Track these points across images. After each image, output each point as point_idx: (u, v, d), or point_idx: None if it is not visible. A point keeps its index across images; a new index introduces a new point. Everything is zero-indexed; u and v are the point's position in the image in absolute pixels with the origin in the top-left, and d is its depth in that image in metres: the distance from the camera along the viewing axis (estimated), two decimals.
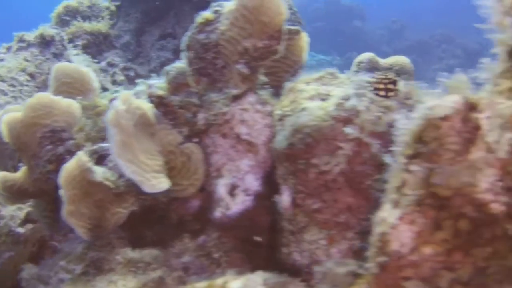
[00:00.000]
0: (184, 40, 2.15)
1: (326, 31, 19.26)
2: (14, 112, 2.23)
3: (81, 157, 2.03)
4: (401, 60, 3.38)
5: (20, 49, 3.63)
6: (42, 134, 2.20)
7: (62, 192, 2.00)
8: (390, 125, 1.81)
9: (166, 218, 2.25)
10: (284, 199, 1.97)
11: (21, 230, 2.68)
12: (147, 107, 2.09)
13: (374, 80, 1.87)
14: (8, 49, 3.82)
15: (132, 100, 2.03)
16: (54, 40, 3.40)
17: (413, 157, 1.39)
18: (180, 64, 2.17)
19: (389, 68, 3.41)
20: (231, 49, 2.07)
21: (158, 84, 2.18)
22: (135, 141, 1.99)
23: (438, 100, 1.40)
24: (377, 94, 1.86)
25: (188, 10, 4.08)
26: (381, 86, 1.85)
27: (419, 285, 1.35)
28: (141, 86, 2.36)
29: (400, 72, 3.36)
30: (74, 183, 2.02)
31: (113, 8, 4.39)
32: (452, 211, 1.28)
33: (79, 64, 3.49)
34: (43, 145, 2.21)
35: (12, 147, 2.26)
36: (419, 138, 1.38)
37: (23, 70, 3.43)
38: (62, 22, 4.19)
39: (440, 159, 1.32)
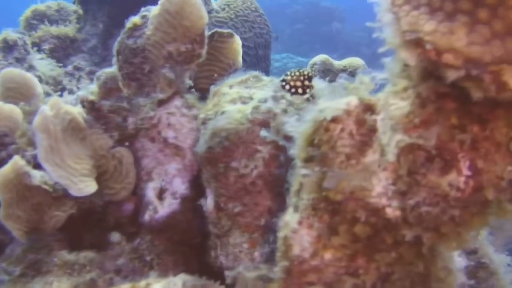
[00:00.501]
0: (115, 45, 2.17)
1: (306, 33, 19.10)
2: None
3: (17, 161, 2.06)
4: (355, 61, 3.39)
5: None
6: None
7: None
8: None
9: (104, 221, 2.28)
10: (209, 202, 1.99)
11: None
12: (77, 112, 2.12)
13: (289, 78, 1.85)
14: None
15: (61, 105, 2.05)
16: (17, 45, 3.43)
17: (307, 160, 1.39)
18: (111, 69, 2.20)
19: (343, 70, 3.42)
20: (157, 53, 2.10)
21: (92, 89, 2.20)
22: (64, 145, 2.01)
23: (331, 102, 1.40)
24: (293, 92, 1.86)
25: None
26: (298, 83, 1.84)
27: None
28: (84, 91, 2.39)
29: (354, 73, 3.37)
30: (10, 187, 2.05)
31: (80, 11, 4.41)
32: (346, 216, 1.28)
33: (42, 67, 3.54)
34: None
35: None
36: (311, 141, 1.37)
37: None
38: (30, 26, 4.22)
39: (332, 162, 1.31)
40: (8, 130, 2.28)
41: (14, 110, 2.28)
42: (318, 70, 3.35)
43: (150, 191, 2.13)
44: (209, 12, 4.53)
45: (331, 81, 3.18)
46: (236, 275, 1.69)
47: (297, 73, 1.85)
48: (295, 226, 1.40)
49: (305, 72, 1.85)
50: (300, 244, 1.39)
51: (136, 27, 2.13)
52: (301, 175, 1.41)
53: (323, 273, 1.35)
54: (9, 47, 3.46)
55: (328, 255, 1.33)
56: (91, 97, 2.16)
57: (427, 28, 1.03)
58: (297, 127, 1.43)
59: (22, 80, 2.46)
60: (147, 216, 2.12)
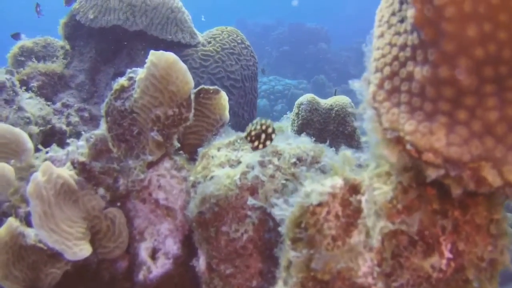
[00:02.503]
0: (103, 106, 2.20)
1: (292, 54, 19.10)
2: None
3: (12, 223, 2.09)
4: (341, 100, 3.43)
5: None
6: None
7: None
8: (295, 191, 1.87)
9: (99, 276, 2.31)
10: (201, 263, 2.03)
11: None
12: (68, 175, 2.15)
13: (246, 133, 1.88)
14: None
15: (53, 170, 2.09)
16: (5, 86, 3.45)
17: (295, 240, 1.43)
18: (100, 131, 2.23)
19: (329, 109, 3.47)
20: (144, 116, 2.13)
21: (81, 149, 2.24)
22: (57, 210, 2.05)
23: (318, 184, 1.44)
24: (254, 147, 1.88)
25: (142, 48, 4.13)
26: (254, 138, 1.86)
27: None
28: (72, 146, 2.42)
29: (341, 112, 3.41)
30: (6, 249, 2.08)
31: (68, 47, 4.43)
32: None
33: (31, 107, 3.55)
34: None
35: None
36: (298, 224, 1.42)
37: None
38: (18, 62, 4.24)
39: (319, 244, 1.36)
40: (1, 188, 2.31)
41: (5, 168, 2.31)
42: (305, 110, 3.39)
43: (143, 251, 2.17)
44: (195, 45, 4.56)
45: (318, 121, 3.22)
46: None
47: (259, 126, 1.87)
48: None
49: (267, 124, 1.87)
50: None
51: (123, 89, 2.17)
52: (289, 254, 1.45)
53: None
54: None
55: None
56: (82, 159, 2.20)
57: (407, 128, 1.07)
58: (285, 210, 1.48)
59: (12, 136, 2.48)
60: (141, 276, 2.16)
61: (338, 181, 1.42)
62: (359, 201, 1.36)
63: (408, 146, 1.08)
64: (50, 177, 2.07)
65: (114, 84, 2.21)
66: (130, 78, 2.19)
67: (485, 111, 0.96)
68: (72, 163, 2.21)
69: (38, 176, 2.05)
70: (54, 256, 2.18)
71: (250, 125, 1.89)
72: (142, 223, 2.21)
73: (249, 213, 1.92)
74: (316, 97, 3.49)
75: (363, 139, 1.32)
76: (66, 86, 4.15)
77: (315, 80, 15.92)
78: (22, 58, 4.25)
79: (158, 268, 2.15)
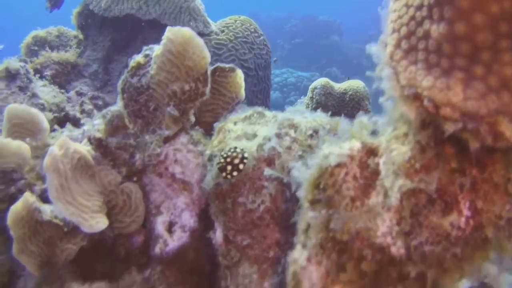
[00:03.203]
0: (119, 83, 2.22)
1: (305, 47, 19.16)
2: None
3: (28, 198, 2.10)
4: (356, 84, 3.44)
5: None
6: None
7: (11, 232, 2.08)
8: None
9: (115, 252, 2.32)
10: (217, 235, 2.04)
11: None
12: (85, 150, 2.16)
13: (219, 161, 1.94)
14: None
15: (70, 144, 2.10)
16: (19, 74, 3.47)
17: (313, 202, 1.44)
18: (116, 107, 2.25)
19: (343, 93, 3.47)
20: (161, 92, 2.15)
21: (97, 126, 2.25)
22: (74, 183, 2.06)
23: (335, 146, 1.45)
24: (224, 176, 1.93)
25: (155, 37, 4.14)
26: (228, 166, 1.92)
27: None
28: (88, 125, 2.44)
29: (355, 96, 3.42)
30: (23, 223, 2.10)
31: (81, 36, 4.46)
32: (352, 254, 1.33)
33: (45, 94, 3.57)
34: None
35: None
36: (317, 185, 1.42)
37: None
38: (31, 52, 4.27)
39: (338, 205, 1.37)
40: (17, 166, 2.32)
41: (21, 146, 2.33)
42: (319, 94, 3.40)
43: (160, 225, 2.18)
44: (209, 34, 4.58)
45: (332, 105, 3.23)
46: None
47: (233, 154, 1.93)
48: (304, 263, 1.45)
49: (239, 155, 1.93)
50: (309, 280, 1.43)
51: (139, 66, 2.18)
52: (307, 216, 1.46)
53: None
54: (11, 76, 3.50)
55: None
56: (98, 135, 2.21)
57: (425, 84, 1.08)
58: (303, 172, 1.49)
59: (28, 116, 2.50)
60: (157, 249, 2.17)
61: (356, 144, 1.43)
62: (377, 164, 1.37)
63: (426, 102, 1.08)
64: (67, 151, 2.09)
65: (130, 61, 2.23)
66: (146, 56, 2.20)
67: (501, 66, 0.97)
68: (89, 139, 2.22)
69: (54, 150, 2.06)
70: (70, 232, 2.19)
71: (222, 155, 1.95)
72: (158, 198, 2.22)
73: (266, 184, 1.93)
74: (330, 81, 3.50)
75: (380, 99, 1.32)
76: (80, 75, 4.17)
77: (328, 73, 15.95)
78: (36, 48, 4.28)
79: (175, 241, 2.16)
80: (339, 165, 1.39)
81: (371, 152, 1.41)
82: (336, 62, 17.75)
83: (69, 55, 4.20)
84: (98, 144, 2.21)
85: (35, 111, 2.53)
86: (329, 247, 1.39)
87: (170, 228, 2.19)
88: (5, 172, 2.30)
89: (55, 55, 4.10)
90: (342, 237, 1.35)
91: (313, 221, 1.43)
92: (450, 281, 1.32)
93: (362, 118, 1.50)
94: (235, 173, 1.92)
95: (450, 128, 1.08)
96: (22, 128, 2.48)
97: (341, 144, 1.44)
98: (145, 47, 2.23)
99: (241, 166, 1.92)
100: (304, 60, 18.10)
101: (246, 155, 1.92)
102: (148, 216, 2.24)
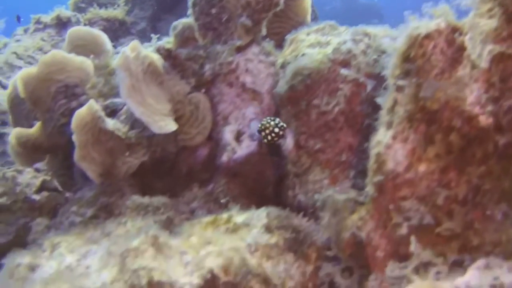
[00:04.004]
0: None
1: None
2: (29, 68, 2.31)
3: (93, 104, 2.10)
4: None
5: (37, 30, 3.74)
6: (56, 89, 2.27)
7: (74, 138, 2.07)
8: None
9: (176, 170, 2.31)
10: (288, 142, 2.03)
11: (36, 197, 2.73)
12: (155, 58, 2.17)
13: (263, 123, 2.01)
14: (25, 31, 3.93)
15: (141, 49, 2.11)
16: (70, 21, 3.51)
17: (402, 76, 1.43)
18: (187, 19, 2.25)
19: None
20: (234, 3, 2.16)
21: (166, 39, 2.26)
22: (144, 86, 2.06)
23: (423, 22, 1.45)
24: (265, 140, 2.01)
25: None
26: (267, 131, 2.00)
27: (416, 204, 1.38)
28: (153, 39, 2.43)
29: None
30: (86, 129, 2.09)
31: None
32: (442, 124, 1.32)
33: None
34: (57, 99, 2.28)
35: (28, 102, 2.31)
36: (406, 57, 1.42)
37: (40, 49, 3.54)
38: (79, 9, 4.30)
39: (427, 74, 1.36)
40: (79, 81, 2.32)
41: (85, 62, 2.33)
42: None
43: (228, 134, 2.17)
44: None
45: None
46: (325, 198, 1.71)
47: (272, 123, 2.00)
48: (389, 141, 1.44)
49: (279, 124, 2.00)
50: (394, 159, 1.42)
51: None
52: (395, 91, 1.45)
53: (417, 187, 1.37)
54: (62, 24, 3.53)
55: (422, 168, 1.36)
56: (167, 46, 2.22)
57: None
58: (393, 43, 1.48)
59: (91, 37, 2.51)
60: (224, 157, 2.16)
61: (442, 21, 1.43)
62: (462, 41, 1.36)
63: None
64: (138, 55, 2.09)
65: None
66: None
67: None
68: (158, 50, 2.23)
69: (127, 51, 2.07)
70: (132, 146, 2.19)
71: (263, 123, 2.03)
72: (227, 108, 2.21)
73: (341, 85, 1.93)
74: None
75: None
76: (127, 32, 4.20)
77: None
78: (83, 5, 4.32)
79: (243, 149, 2.15)
80: (427, 37, 1.39)
81: (456, 30, 1.41)
82: None
83: (117, 12, 4.23)
84: (167, 54, 2.22)
85: (98, 32, 2.54)
86: (418, 118, 1.38)
87: (238, 137, 2.18)
88: (68, 86, 2.30)
89: (103, 12, 4.14)
90: (432, 106, 1.34)
91: (401, 95, 1.43)
92: None
93: (444, 5, 1.50)
94: (276, 139, 2.00)
95: None
96: (85, 50, 2.48)
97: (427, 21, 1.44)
98: None
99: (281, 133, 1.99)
100: None
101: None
102: (214, 127, 2.24)
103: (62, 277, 1.42)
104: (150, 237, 1.47)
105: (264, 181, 2.25)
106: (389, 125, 1.48)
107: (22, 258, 1.55)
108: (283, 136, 2.02)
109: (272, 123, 1.99)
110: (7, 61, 3.42)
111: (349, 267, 1.67)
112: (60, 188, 2.78)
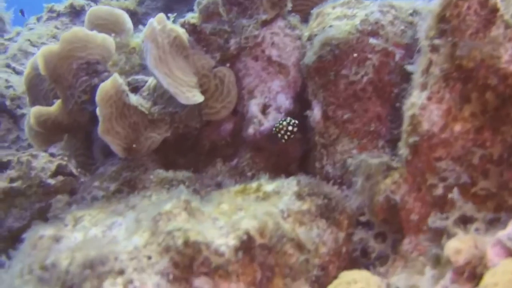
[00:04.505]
0: None
1: None
2: (50, 45, 2.30)
3: (117, 78, 2.09)
4: None
5: (50, 19, 3.74)
6: (77, 66, 2.25)
7: (98, 111, 2.05)
8: (414, 38, 1.90)
9: (199, 146, 2.31)
10: (315, 113, 2.03)
11: (51, 181, 2.71)
12: (181, 31, 2.17)
13: (277, 126, 2.09)
14: (38, 19, 3.94)
15: (167, 22, 2.11)
16: (84, 10, 3.51)
17: (438, 36, 1.44)
18: None
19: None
20: None
21: (191, 14, 2.26)
22: (170, 58, 2.06)
23: None
24: (283, 140, 2.09)
25: None
26: (282, 131, 2.08)
27: (451, 164, 1.38)
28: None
29: None
30: (111, 102, 2.08)
31: None
32: (478, 82, 1.33)
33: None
34: (78, 76, 2.26)
35: (49, 79, 2.30)
36: (442, 18, 1.43)
37: (54, 37, 3.54)
38: None
39: (462, 34, 1.37)
40: (101, 58, 2.31)
41: (107, 39, 2.31)
42: None
43: (254, 107, 2.17)
44: None
45: None
46: (359, 162, 1.71)
47: (284, 123, 2.08)
48: (424, 102, 1.44)
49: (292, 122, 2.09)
50: (429, 119, 1.43)
51: None
52: (430, 52, 1.46)
53: (452, 147, 1.38)
54: (76, 12, 3.53)
55: (457, 127, 1.37)
56: (192, 20, 2.22)
57: None
58: (426, 5, 1.49)
59: (111, 17, 2.50)
60: (251, 130, 2.16)
61: None
62: (495, 2, 1.36)
63: None
64: (165, 28, 2.09)
65: None
66: None
67: None
68: (182, 25, 2.23)
69: (154, 23, 2.07)
70: (155, 121, 2.19)
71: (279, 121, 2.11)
72: (252, 82, 2.21)
73: (369, 55, 1.93)
74: None
75: None
76: (139, 23, 4.17)
77: None
78: None
79: (270, 121, 2.14)
80: None
81: None
82: None
83: (128, 3, 4.21)
84: (192, 29, 2.22)
85: (119, 11, 2.54)
86: (454, 77, 1.39)
87: (264, 110, 2.18)
88: (90, 63, 2.28)
89: (114, 3, 4.11)
90: (468, 64, 1.34)
91: (437, 55, 1.43)
92: None
93: None
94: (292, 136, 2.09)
95: None
96: (105, 29, 2.46)
97: None
98: None
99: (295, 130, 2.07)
100: None
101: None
102: (240, 101, 2.24)
103: (90, 244, 1.40)
104: (183, 202, 1.46)
105: (288, 157, 2.25)
106: (424, 87, 1.48)
107: (45, 231, 1.53)
108: (297, 132, 2.08)
109: (284, 123, 2.06)
110: (20, 48, 3.42)
111: (382, 232, 1.67)
112: (75, 172, 2.76)
